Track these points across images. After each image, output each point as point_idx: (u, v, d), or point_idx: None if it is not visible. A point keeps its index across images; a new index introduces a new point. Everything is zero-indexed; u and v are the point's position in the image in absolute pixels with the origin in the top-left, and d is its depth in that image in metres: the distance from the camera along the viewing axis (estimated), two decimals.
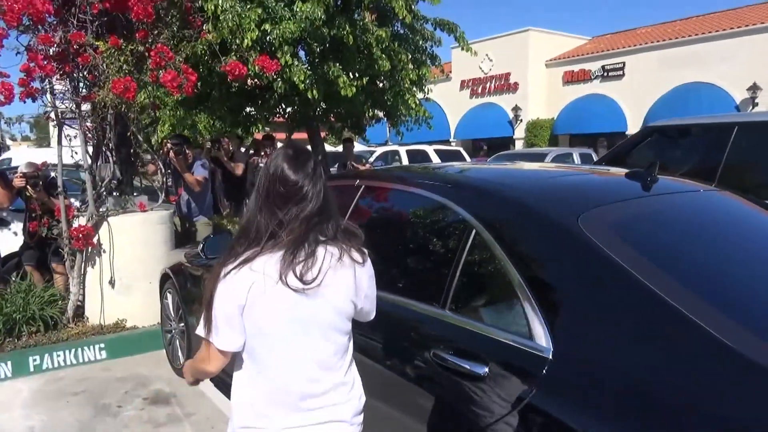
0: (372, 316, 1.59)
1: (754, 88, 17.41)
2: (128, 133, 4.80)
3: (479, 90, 24.15)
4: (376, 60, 6.85)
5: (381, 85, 7.46)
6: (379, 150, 13.25)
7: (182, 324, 4.04)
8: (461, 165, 2.86)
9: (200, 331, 1.44)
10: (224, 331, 1.40)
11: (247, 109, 8.17)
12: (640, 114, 20.02)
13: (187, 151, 5.42)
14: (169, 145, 5.27)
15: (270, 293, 1.36)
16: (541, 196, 1.92)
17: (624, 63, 20.90)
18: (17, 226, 5.52)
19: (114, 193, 4.89)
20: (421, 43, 8.01)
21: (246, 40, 5.91)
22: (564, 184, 2.16)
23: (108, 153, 4.81)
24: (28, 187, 4.65)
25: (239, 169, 6.95)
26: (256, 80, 7.37)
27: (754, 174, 3.81)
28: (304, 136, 8.85)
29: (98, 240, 4.70)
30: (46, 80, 4.33)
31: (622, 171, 2.32)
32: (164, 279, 4.29)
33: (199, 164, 5.71)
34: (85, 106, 4.71)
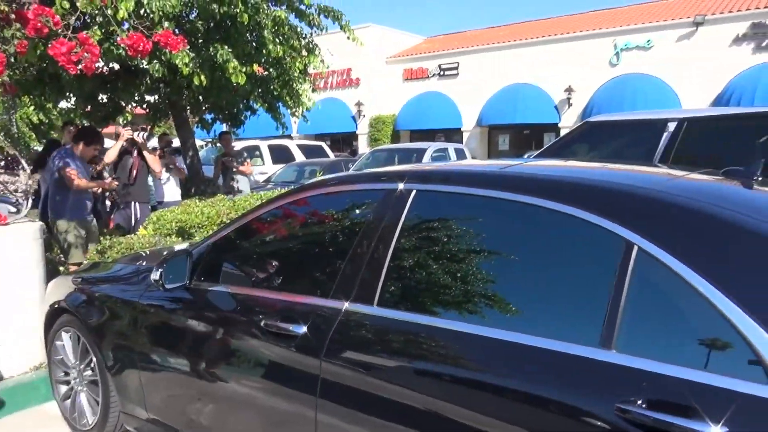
0: None
1: (569, 90, 19.48)
2: None
3: (321, 84, 23.76)
4: (266, 44, 6.14)
5: (267, 72, 6.72)
6: (239, 145, 12.25)
7: (90, 371, 3.10)
8: (554, 163, 2.43)
9: None
10: None
11: (102, 96, 6.87)
12: (475, 112, 21.33)
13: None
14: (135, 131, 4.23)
15: None
16: (724, 204, 1.61)
17: (458, 63, 22.06)
18: None
19: None
20: (299, 30, 7.42)
21: (121, 11, 4.86)
22: (713, 188, 1.89)
23: None
24: None
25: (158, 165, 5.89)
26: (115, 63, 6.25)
27: (695, 162, 3.94)
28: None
29: None
30: None
31: (712, 172, 2.11)
32: (56, 314, 3.26)
33: None
34: None
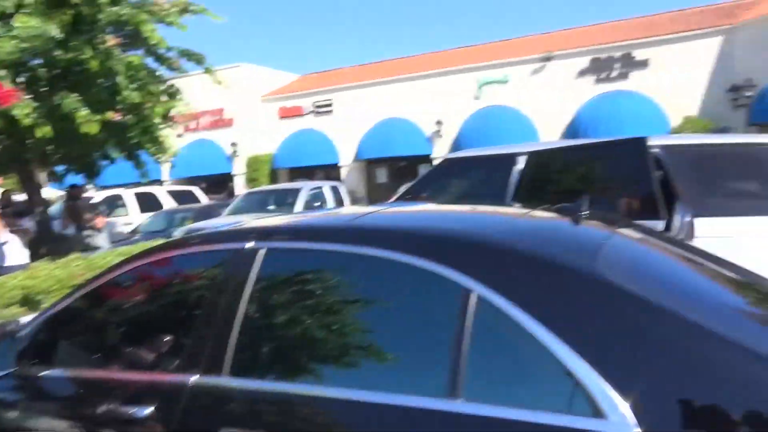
0: None
1: (440, 123, 20.45)
2: None
3: (192, 126, 22.99)
4: (120, 90, 5.84)
5: (124, 119, 6.38)
6: (100, 195, 11.41)
7: None
8: (399, 210, 2.42)
9: None
10: None
11: None
12: (352, 147, 21.66)
13: None
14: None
15: None
16: (550, 246, 1.70)
17: (333, 100, 22.39)
18: None
19: None
20: (160, 74, 7.15)
21: None
22: (545, 229, 1.99)
23: None
24: None
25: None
26: None
27: (542, 194, 4.21)
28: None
29: None
30: None
31: (548, 210, 2.25)
32: None
33: None
34: None
